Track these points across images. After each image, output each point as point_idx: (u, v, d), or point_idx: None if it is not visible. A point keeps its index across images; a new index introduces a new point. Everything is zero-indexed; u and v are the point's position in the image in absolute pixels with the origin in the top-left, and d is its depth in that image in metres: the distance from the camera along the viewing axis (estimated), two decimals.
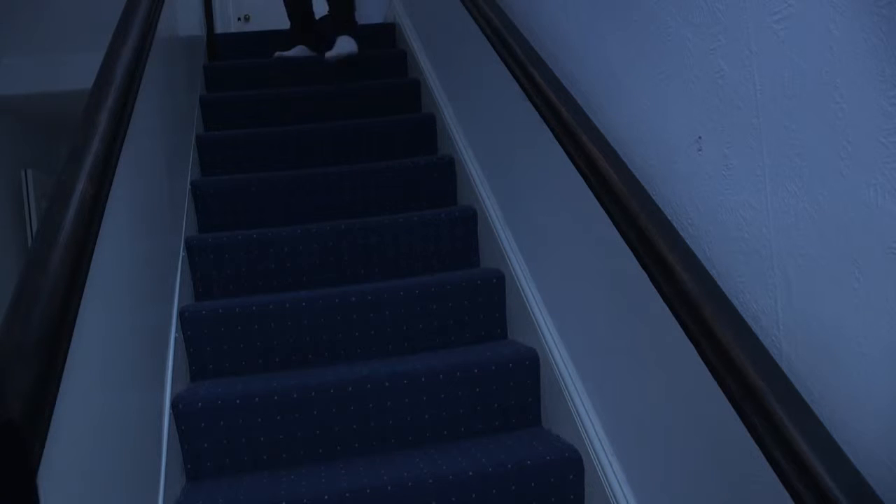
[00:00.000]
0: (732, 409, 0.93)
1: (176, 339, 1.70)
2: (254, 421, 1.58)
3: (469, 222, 2.11)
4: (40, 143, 3.62)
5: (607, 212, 1.17)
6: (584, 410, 1.51)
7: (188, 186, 2.17)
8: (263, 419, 1.58)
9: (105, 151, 1.27)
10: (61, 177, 1.20)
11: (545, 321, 1.70)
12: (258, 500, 1.40)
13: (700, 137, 1.07)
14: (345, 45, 2.79)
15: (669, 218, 1.10)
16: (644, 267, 1.06)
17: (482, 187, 2.12)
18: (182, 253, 1.93)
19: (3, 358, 0.85)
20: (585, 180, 1.22)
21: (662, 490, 1.27)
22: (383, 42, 3.24)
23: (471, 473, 1.45)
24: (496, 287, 1.88)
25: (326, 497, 1.40)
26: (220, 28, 3.62)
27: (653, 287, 1.11)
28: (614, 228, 1.23)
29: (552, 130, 1.35)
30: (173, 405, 1.56)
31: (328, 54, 2.76)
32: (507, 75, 1.64)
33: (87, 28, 2.93)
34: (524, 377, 1.68)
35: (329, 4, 2.96)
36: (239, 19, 4.87)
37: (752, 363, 0.86)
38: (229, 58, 3.10)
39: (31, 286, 0.96)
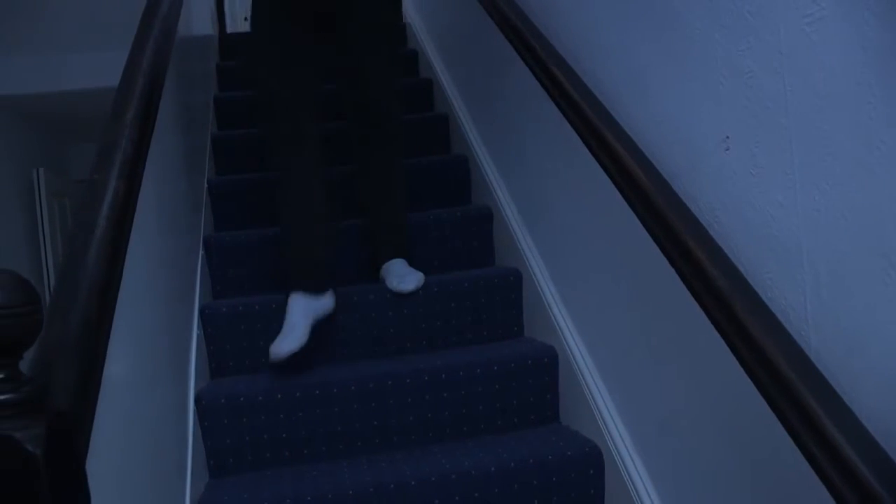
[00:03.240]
0: (755, 403, 0.95)
1: (197, 336, 1.72)
2: (276, 417, 1.59)
3: (485, 221, 2.12)
4: (51, 141, 3.64)
5: (634, 209, 1.18)
6: (604, 405, 1.52)
7: (205, 185, 2.18)
8: (285, 416, 1.60)
9: (134, 149, 1.29)
10: (93, 175, 1.21)
11: (563, 319, 1.72)
12: (282, 495, 1.42)
13: (727, 137, 1.08)
14: (409, 276, 1.86)
15: (696, 215, 1.12)
16: (672, 263, 1.08)
17: (497, 186, 2.13)
18: (201, 251, 1.95)
19: (48, 353, 0.87)
20: (611, 178, 1.23)
21: (685, 483, 1.28)
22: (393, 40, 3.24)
23: (493, 469, 1.46)
24: (513, 285, 1.90)
25: (351, 492, 1.41)
26: (212, 28, 3.62)
27: (673, 283, 1.13)
28: (634, 225, 1.25)
29: (575, 129, 1.37)
30: (196, 401, 1.58)
31: (392, 287, 1.84)
32: (523, 74, 1.65)
33: (95, 28, 2.95)
34: (542, 374, 1.70)
35: (367, 197, 2.01)
36: (245, 19, 4.87)
37: (784, 356, 0.87)
38: (240, 57, 3.11)
39: (70, 283, 0.97)
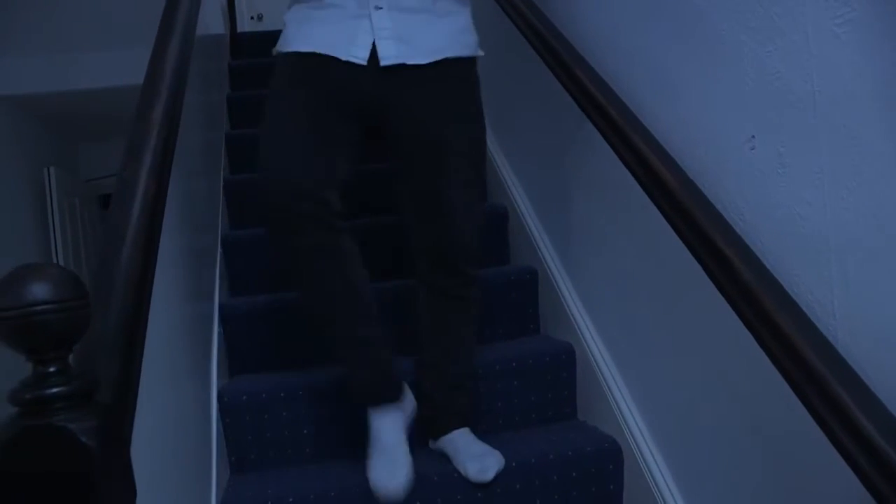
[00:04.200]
0: (780, 396, 0.97)
1: (218, 333, 1.73)
2: (298, 414, 1.61)
3: (501, 220, 2.14)
4: (62, 141, 3.65)
5: (659, 207, 1.20)
6: (623, 401, 1.54)
7: (221, 183, 2.19)
8: (307, 412, 1.61)
9: (163, 148, 1.30)
10: (123, 173, 1.22)
11: (581, 316, 1.73)
12: (307, 490, 1.43)
13: (753, 136, 1.10)
14: (488, 459, 1.45)
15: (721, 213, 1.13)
16: (699, 260, 1.09)
17: (514, 185, 2.15)
18: (219, 248, 1.96)
19: (91, 347, 0.89)
20: (635, 177, 1.25)
21: (706, 477, 1.30)
22: None
23: (514, 464, 1.48)
24: (529, 283, 1.91)
25: None
26: (224, 28, 3.63)
27: (692, 278, 1.15)
28: (651, 221, 1.26)
29: (598, 128, 1.38)
30: (219, 398, 1.59)
31: (470, 475, 1.43)
32: (541, 74, 1.67)
33: (105, 27, 2.97)
34: (560, 371, 1.72)
35: (431, 355, 1.55)
36: (252, 18, 4.90)
37: (815, 350, 0.89)
38: (250, 56, 3.13)
39: (107, 280, 0.99)
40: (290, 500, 1.40)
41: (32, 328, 0.73)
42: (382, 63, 1.35)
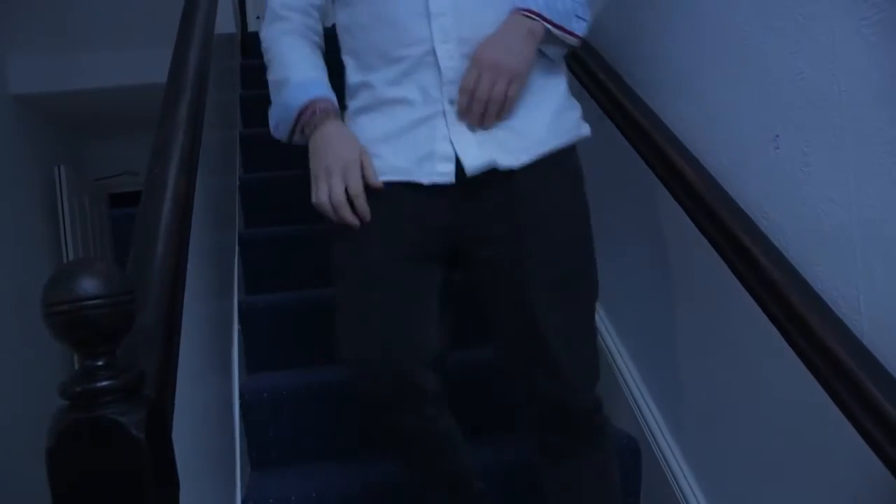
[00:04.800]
0: (799, 391, 0.98)
1: (237, 330, 1.75)
2: (319, 411, 1.62)
3: None
4: (72, 140, 3.66)
5: (682, 205, 1.21)
6: (641, 397, 1.55)
7: (237, 181, 2.21)
8: (328, 409, 1.62)
9: (190, 146, 1.32)
10: (153, 170, 1.24)
11: (598, 313, 1.75)
12: (330, 487, 1.45)
13: (777, 136, 1.11)
14: None
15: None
16: (725, 258, 1.11)
17: None
18: (237, 246, 1.98)
19: (132, 342, 0.90)
20: (659, 177, 1.26)
21: (726, 472, 1.32)
22: None
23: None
24: None
25: (397, 482, 1.44)
26: (234, 27, 3.64)
27: (712, 274, 1.16)
28: (670, 218, 1.28)
29: (617, 126, 1.40)
30: (239, 395, 1.60)
31: None
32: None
33: (115, 27, 2.98)
34: None
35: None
36: (258, 17, 4.90)
37: (843, 346, 0.91)
38: (261, 56, 3.13)
39: (141, 276, 1.00)
40: (314, 495, 1.42)
41: (83, 322, 0.74)
42: (469, 173, 1.06)
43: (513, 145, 1.08)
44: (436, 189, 1.07)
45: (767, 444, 1.19)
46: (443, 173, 1.07)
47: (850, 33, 0.96)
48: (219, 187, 1.83)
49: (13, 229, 2.84)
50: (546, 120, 1.11)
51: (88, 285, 0.74)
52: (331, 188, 1.07)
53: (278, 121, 1.19)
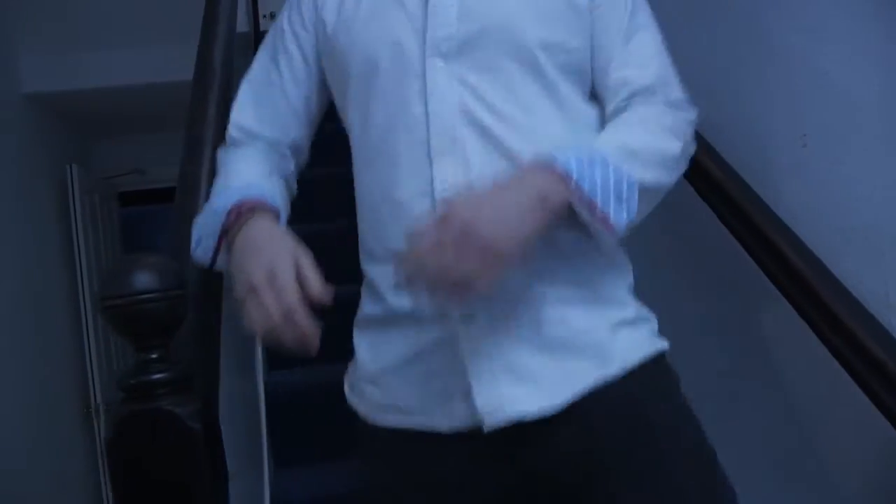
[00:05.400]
0: (829, 389, 1.00)
1: None
2: (343, 408, 1.63)
3: None
4: (82, 138, 3.67)
5: (708, 202, 1.23)
6: None
7: None
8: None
9: (220, 142, 1.33)
10: (187, 166, 1.25)
11: None
12: (356, 485, 1.45)
13: (805, 134, 1.13)
14: None
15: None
16: (752, 255, 1.12)
17: None
18: None
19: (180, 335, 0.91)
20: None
21: (752, 484, 1.33)
22: None
23: None
24: None
25: None
26: (248, 25, 3.63)
27: (735, 272, 1.18)
28: (690, 216, 1.29)
29: None
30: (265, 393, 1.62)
31: None
32: None
33: (126, 25, 2.99)
34: None
35: None
36: (265, 16, 4.91)
37: (876, 341, 0.92)
38: None
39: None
40: (341, 491, 1.43)
41: (139, 316, 0.76)
42: (487, 428, 0.77)
43: (552, 374, 0.77)
44: (458, 437, 0.79)
45: (795, 448, 1.20)
46: (456, 419, 0.79)
47: (879, 34, 0.98)
48: None
49: (26, 229, 2.84)
50: (605, 329, 0.79)
51: (145, 280, 0.76)
52: (260, 309, 0.74)
53: (201, 234, 0.84)
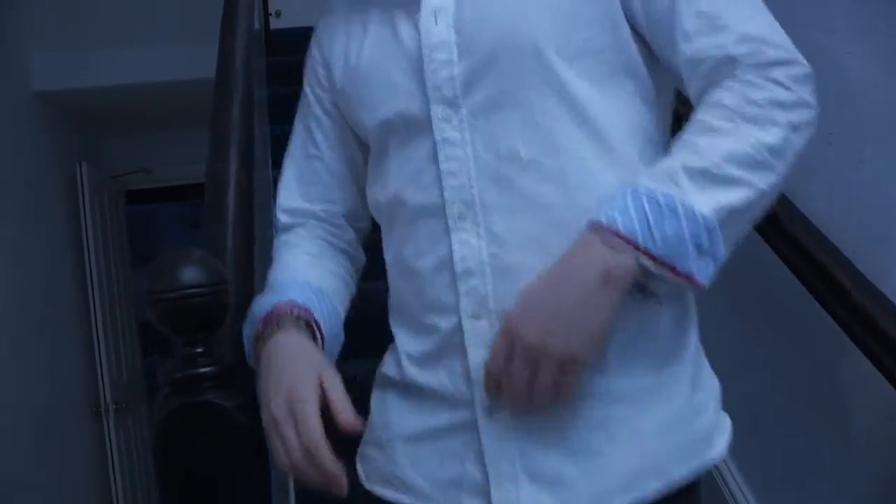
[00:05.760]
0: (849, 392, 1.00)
1: None
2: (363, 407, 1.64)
3: None
4: (91, 137, 3.67)
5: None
6: None
7: (270, 178, 2.22)
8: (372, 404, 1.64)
9: (246, 140, 1.34)
10: (215, 165, 1.26)
11: None
12: None
13: (831, 133, 1.14)
14: None
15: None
16: (783, 258, 1.13)
17: None
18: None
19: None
20: None
21: (772, 469, 1.34)
22: None
23: None
24: None
25: None
26: (258, 23, 3.64)
27: (758, 273, 1.18)
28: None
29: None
30: None
31: None
32: None
33: (138, 23, 3.00)
34: None
35: None
36: (271, 14, 4.90)
37: None
38: (282, 54, 3.14)
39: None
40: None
41: (186, 310, 0.77)
42: None
43: (582, 486, 0.67)
44: None
45: (816, 447, 1.21)
46: None
47: None
48: (259, 181, 1.85)
49: (36, 226, 2.85)
50: (649, 433, 0.68)
51: (191, 275, 0.76)
52: (283, 443, 0.67)
53: (246, 336, 0.81)
